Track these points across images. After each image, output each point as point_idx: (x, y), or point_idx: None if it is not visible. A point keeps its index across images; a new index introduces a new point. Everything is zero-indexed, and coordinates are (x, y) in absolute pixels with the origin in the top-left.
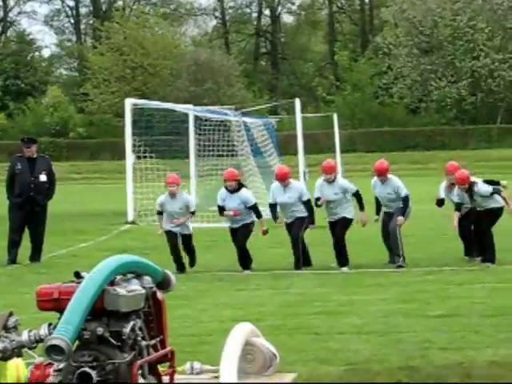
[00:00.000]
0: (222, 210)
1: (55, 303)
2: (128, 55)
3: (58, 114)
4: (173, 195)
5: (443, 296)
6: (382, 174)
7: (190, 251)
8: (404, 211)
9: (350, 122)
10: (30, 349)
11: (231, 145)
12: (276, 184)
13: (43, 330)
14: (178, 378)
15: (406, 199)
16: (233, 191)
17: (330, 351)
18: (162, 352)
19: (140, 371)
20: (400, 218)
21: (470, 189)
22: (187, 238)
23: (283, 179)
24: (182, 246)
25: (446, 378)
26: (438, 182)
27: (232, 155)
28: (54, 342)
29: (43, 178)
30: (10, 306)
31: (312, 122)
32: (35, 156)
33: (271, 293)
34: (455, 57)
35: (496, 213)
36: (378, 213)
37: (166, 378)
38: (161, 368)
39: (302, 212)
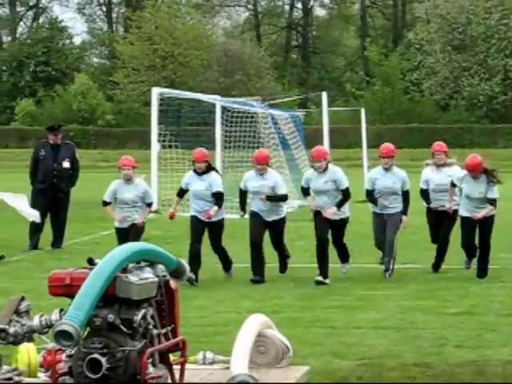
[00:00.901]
0: (183, 193)
1: (67, 289)
2: (158, 44)
3: (86, 102)
4: (128, 180)
5: (461, 294)
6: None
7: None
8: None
9: (379, 117)
10: (41, 334)
11: (258, 136)
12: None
13: (54, 316)
14: (188, 367)
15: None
16: (201, 173)
17: (345, 345)
18: (173, 341)
19: (150, 359)
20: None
21: (488, 174)
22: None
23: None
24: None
25: (459, 375)
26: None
27: (258, 147)
28: (63, 327)
29: (66, 164)
30: (29, 292)
31: (341, 116)
32: (59, 143)
33: (290, 285)
34: (488, 54)
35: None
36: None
37: (176, 367)
38: (172, 357)
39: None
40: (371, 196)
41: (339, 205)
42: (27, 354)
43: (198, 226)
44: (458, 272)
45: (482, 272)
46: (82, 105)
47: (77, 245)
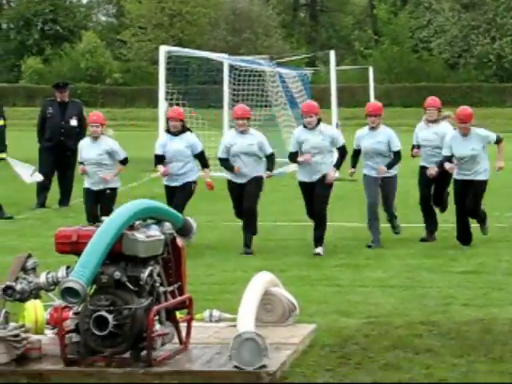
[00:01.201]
0: (161, 159)
1: (73, 246)
2: (166, 2)
3: (94, 60)
4: (95, 138)
5: (469, 253)
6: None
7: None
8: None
9: (387, 76)
10: (47, 291)
11: (265, 95)
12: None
13: (61, 273)
14: (195, 325)
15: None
16: (176, 133)
17: (352, 304)
18: (179, 299)
19: (157, 317)
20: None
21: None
22: (109, 196)
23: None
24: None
25: (465, 333)
26: None
27: (266, 106)
28: (69, 284)
29: (74, 122)
30: (35, 249)
31: (349, 74)
32: (67, 101)
33: (298, 244)
34: (497, 13)
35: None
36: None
37: (183, 325)
38: (179, 315)
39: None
40: (356, 156)
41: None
42: (34, 311)
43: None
44: None
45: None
46: (89, 63)
47: (83, 203)
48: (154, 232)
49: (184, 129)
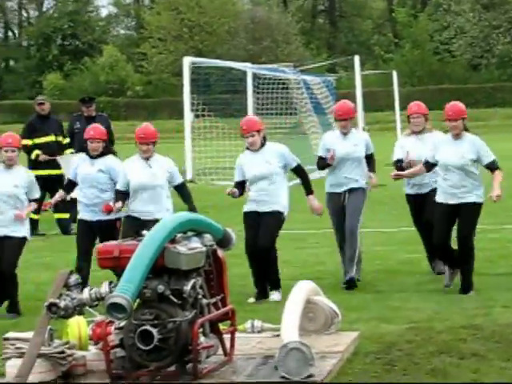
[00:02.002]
0: (72, 185)
1: (115, 261)
2: (185, 14)
3: (115, 73)
4: (9, 166)
5: (505, 254)
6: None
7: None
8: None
9: (409, 79)
10: (90, 307)
11: (290, 102)
12: None
13: (104, 288)
14: (238, 336)
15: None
16: (95, 156)
17: (391, 309)
18: (222, 310)
19: (201, 329)
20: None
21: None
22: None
23: None
24: None
25: (510, 335)
26: (498, 140)
27: (291, 113)
28: (116, 300)
29: None
30: (69, 266)
31: (370, 79)
32: (94, 115)
33: (331, 251)
34: None
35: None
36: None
37: (226, 336)
38: (222, 326)
39: None
40: (323, 162)
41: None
42: (77, 327)
43: None
44: (499, 232)
45: (466, 286)
46: (110, 77)
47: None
48: (196, 244)
49: (106, 151)
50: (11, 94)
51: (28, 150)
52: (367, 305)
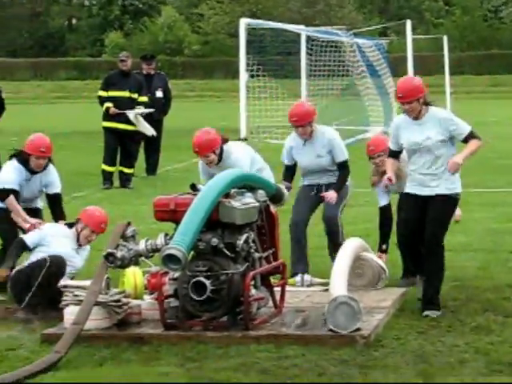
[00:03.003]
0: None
1: (171, 214)
2: None
3: (173, 33)
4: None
5: None
6: None
7: None
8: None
9: (459, 44)
10: (146, 258)
11: (342, 65)
12: None
13: (160, 240)
14: (288, 289)
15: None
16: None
17: None
18: (274, 264)
19: (253, 282)
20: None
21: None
22: None
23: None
24: None
25: None
26: None
27: (343, 75)
28: (171, 251)
29: (159, 94)
30: (126, 217)
31: (420, 44)
32: (153, 73)
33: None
34: None
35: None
36: None
37: (277, 289)
38: (272, 279)
39: None
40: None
41: None
42: (133, 277)
43: None
44: None
45: (429, 300)
46: (168, 36)
47: (170, 172)
48: (249, 199)
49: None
50: (74, 51)
51: (101, 101)
52: None
